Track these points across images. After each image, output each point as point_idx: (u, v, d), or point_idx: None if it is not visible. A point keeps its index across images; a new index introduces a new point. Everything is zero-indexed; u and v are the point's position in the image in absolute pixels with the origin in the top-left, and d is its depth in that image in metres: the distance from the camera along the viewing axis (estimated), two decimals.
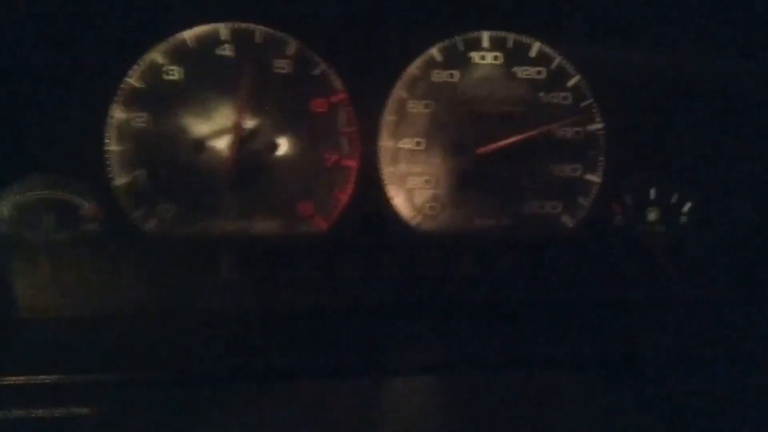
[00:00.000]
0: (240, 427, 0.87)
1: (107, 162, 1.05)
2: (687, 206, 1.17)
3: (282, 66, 1.08)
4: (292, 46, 1.08)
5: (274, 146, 1.09)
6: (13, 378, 0.89)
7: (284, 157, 1.10)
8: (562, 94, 1.14)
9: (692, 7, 1.09)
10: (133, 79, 1.05)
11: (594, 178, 1.15)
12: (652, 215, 1.17)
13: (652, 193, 1.16)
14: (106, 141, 1.05)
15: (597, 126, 1.15)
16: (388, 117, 1.11)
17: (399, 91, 1.11)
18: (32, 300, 1.03)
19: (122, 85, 1.04)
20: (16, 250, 1.01)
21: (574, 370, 0.97)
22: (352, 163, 1.11)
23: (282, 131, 1.09)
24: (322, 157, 1.10)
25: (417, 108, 1.12)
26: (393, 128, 1.12)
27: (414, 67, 1.12)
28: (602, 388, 0.95)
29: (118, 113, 1.05)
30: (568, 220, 1.16)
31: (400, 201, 1.13)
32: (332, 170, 1.10)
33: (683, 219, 1.17)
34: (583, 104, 1.14)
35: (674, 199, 1.17)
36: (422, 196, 1.13)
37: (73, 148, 1.03)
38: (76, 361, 0.97)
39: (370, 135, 1.11)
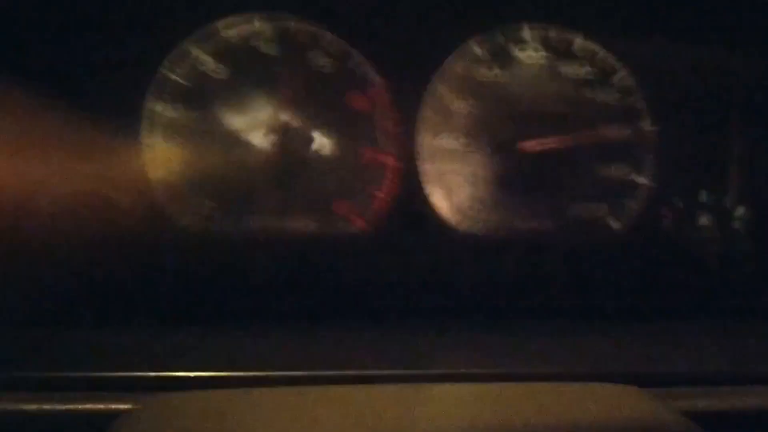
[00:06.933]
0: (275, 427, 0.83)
1: (144, 156, 1.03)
2: (740, 211, 1.11)
3: (320, 61, 1.06)
4: (330, 41, 1.06)
5: (312, 142, 1.07)
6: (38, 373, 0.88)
7: (322, 154, 1.07)
8: (609, 92, 1.10)
9: (745, 2, 1.04)
10: (171, 73, 1.03)
11: (642, 179, 1.10)
12: (703, 220, 1.11)
13: (704, 196, 1.11)
14: (144, 135, 1.03)
15: (646, 125, 1.10)
16: (427, 113, 1.08)
17: (438, 87, 1.08)
18: (65, 295, 1.00)
19: (161, 79, 1.03)
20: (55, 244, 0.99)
21: (619, 380, 0.92)
22: (390, 161, 1.07)
23: (320, 127, 1.07)
24: (359, 154, 1.07)
25: (458, 105, 1.08)
26: (432, 125, 1.08)
27: (454, 63, 1.08)
28: (648, 397, 0.89)
29: (156, 107, 1.03)
30: (614, 224, 1.11)
31: (439, 200, 1.09)
32: (370, 167, 1.07)
33: (736, 224, 1.12)
34: (630, 102, 1.09)
35: (727, 203, 1.11)
36: (462, 195, 1.09)
37: (113, 141, 1.01)
38: (110, 358, 0.95)
39: (409, 132, 1.07)
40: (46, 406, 0.80)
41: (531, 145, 1.07)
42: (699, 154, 1.11)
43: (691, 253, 1.11)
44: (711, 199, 1.11)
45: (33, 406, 0.81)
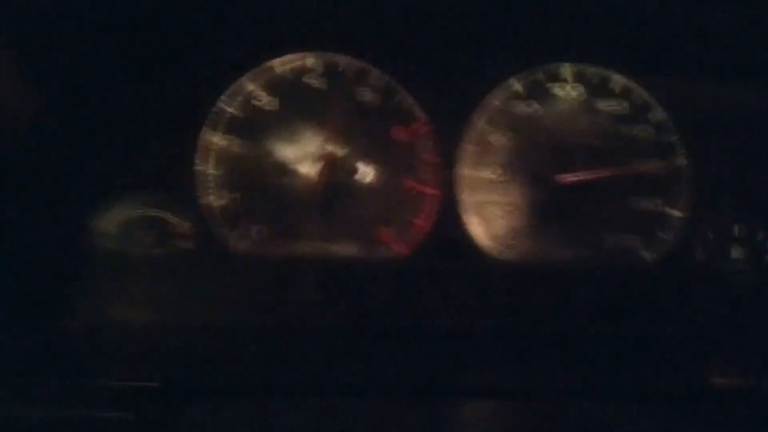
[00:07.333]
0: None
1: (202, 184, 1.10)
2: None
3: (366, 95, 1.12)
4: (376, 76, 1.12)
5: (356, 172, 1.12)
6: (102, 381, 0.95)
7: (365, 183, 1.13)
8: (645, 128, 1.13)
9: None
10: (228, 107, 1.10)
11: (676, 212, 1.13)
12: (736, 253, 1.13)
13: (737, 230, 1.13)
14: (201, 164, 1.10)
15: (681, 160, 1.13)
16: (468, 146, 1.13)
17: (479, 121, 1.13)
18: (126, 310, 1.08)
19: (218, 112, 1.10)
20: (116, 264, 1.08)
21: (647, 404, 0.95)
22: (432, 191, 1.12)
23: (365, 158, 1.12)
24: (402, 184, 1.12)
25: (497, 138, 1.13)
26: (472, 157, 1.13)
27: (495, 98, 1.13)
28: (676, 424, 0.92)
29: (214, 138, 1.10)
30: (647, 255, 1.13)
31: (478, 230, 1.13)
32: (412, 197, 1.12)
33: None
34: (664, 137, 1.13)
35: (760, 237, 1.13)
36: (500, 225, 1.13)
37: (171, 170, 1.09)
38: (162, 370, 1.02)
39: (450, 164, 1.12)
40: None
41: (567, 177, 1.11)
42: (731, 187, 1.14)
43: (723, 286, 1.13)
44: (743, 233, 1.13)
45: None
